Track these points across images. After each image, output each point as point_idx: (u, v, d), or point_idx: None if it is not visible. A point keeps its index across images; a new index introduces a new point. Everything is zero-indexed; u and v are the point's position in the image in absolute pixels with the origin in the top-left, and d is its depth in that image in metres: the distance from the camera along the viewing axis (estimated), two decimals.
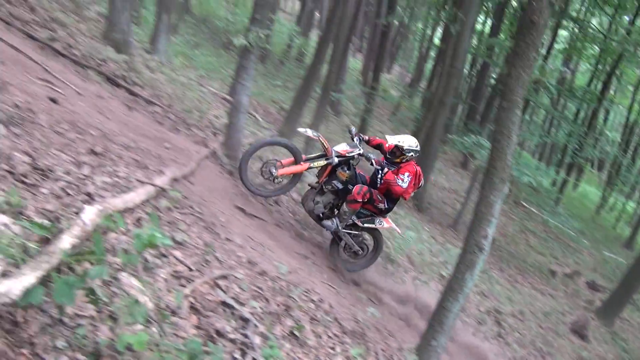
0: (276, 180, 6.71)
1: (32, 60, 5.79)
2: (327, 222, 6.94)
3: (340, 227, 6.95)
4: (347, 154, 6.73)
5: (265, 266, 4.77)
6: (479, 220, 4.93)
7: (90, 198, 3.55)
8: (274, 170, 6.61)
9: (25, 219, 2.83)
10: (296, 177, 6.98)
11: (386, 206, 6.93)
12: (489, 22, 24.15)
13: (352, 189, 6.72)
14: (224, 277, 4.03)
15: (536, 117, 27.85)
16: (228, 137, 7.70)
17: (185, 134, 7.28)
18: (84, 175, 3.83)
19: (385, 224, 7.02)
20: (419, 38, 32.69)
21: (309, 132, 6.79)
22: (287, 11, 33.04)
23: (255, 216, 6.62)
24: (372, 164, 6.71)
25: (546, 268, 15.00)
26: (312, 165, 6.74)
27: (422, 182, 7.03)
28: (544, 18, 4.20)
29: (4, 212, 2.74)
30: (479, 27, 23.35)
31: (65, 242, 2.69)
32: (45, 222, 2.91)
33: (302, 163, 6.75)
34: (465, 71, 21.65)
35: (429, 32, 29.77)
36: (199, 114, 9.07)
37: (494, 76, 22.42)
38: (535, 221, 19.43)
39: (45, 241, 2.71)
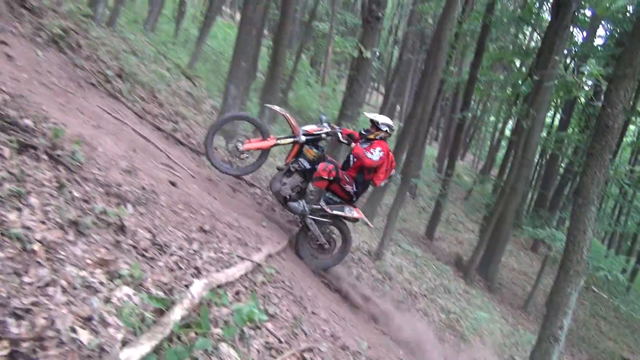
0: (242, 156, 6.28)
1: (158, 148, 6.19)
2: (294, 204, 6.29)
3: (307, 210, 6.29)
4: (314, 132, 6.23)
5: (347, 340, 4.64)
6: (554, 311, 4.59)
7: (198, 272, 3.64)
8: (240, 145, 6.18)
9: (144, 291, 2.93)
10: (264, 154, 6.41)
11: (354, 189, 6.30)
12: (558, 116, 23.62)
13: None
14: (310, 349, 3.94)
15: (605, 204, 26.35)
16: None
17: (280, 213, 7.42)
18: (194, 251, 3.94)
19: (355, 213, 6.34)
20: (491, 129, 32.38)
21: (276, 108, 6.42)
22: (371, 104, 33.81)
23: (340, 291, 6.52)
24: (339, 140, 6.30)
25: (619, 355, 13.68)
26: (279, 142, 6.24)
27: (394, 169, 6.46)
28: (619, 122, 4.03)
29: (127, 284, 2.85)
30: (548, 120, 22.86)
31: (177, 314, 2.75)
32: (160, 293, 3.00)
33: (269, 139, 6.24)
34: (535, 160, 21.04)
35: (499, 125, 29.44)
36: None
37: (563, 165, 21.64)
38: (606, 307, 17.96)
39: (160, 312, 2.77)
